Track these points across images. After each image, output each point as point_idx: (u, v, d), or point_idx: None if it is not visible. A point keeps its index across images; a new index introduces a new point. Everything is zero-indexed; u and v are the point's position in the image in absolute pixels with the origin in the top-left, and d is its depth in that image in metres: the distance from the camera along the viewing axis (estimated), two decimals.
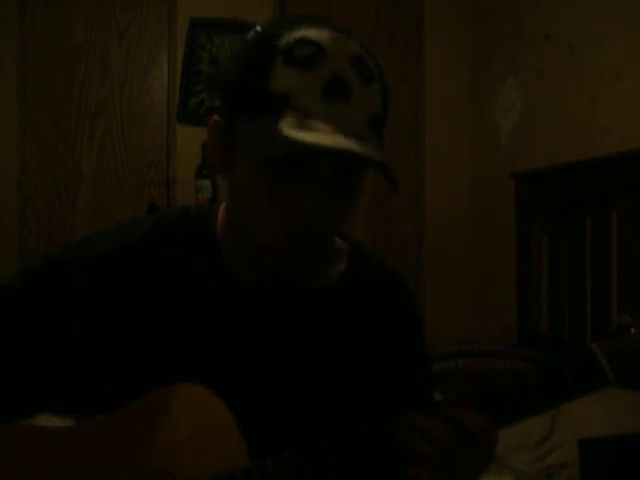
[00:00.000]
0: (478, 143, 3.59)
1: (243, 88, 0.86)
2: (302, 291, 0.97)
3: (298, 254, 0.90)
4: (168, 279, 0.95)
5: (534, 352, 2.80)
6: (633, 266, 2.43)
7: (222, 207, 0.99)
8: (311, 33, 0.85)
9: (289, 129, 0.81)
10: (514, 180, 3.10)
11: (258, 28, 0.90)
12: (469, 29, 3.65)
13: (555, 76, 2.95)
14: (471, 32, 3.65)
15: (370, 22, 3.56)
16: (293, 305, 0.97)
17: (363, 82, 0.85)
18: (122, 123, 3.30)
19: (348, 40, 0.87)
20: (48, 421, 0.94)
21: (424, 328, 1.09)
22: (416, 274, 3.53)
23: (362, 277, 1.02)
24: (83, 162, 3.26)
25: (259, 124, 0.84)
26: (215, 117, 0.92)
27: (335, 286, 1.00)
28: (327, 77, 0.83)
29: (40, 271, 0.96)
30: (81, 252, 0.96)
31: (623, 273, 2.48)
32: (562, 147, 2.87)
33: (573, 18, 2.83)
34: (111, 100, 3.29)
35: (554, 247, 2.92)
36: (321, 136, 0.81)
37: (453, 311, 3.52)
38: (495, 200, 3.38)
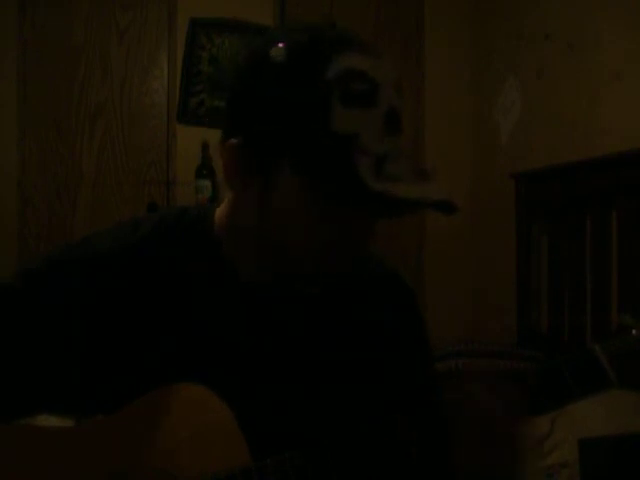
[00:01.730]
0: (478, 143, 3.59)
1: (297, 127, 0.83)
2: (302, 291, 0.97)
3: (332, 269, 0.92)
4: (168, 279, 0.95)
5: (534, 352, 2.80)
6: (633, 266, 2.43)
7: (221, 207, 0.99)
8: (356, 61, 0.83)
9: (374, 181, 0.80)
10: (514, 180, 3.10)
11: (289, 50, 0.85)
12: (469, 29, 3.65)
13: (555, 76, 2.95)
14: (471, 32, 3.64)
15: (370, 22, 3.56)
16: (293, 305, 0.97)
17: (402, 106, 0.86)
18: (122, 123, 3.30)
19: (384, 62, 0.86)
20: (48, 421, 0.94)
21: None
22: (416, 274, 3.53)
23: (362, 277, 1.02)
24: (83, 162, 3.26)
25: (331, 171, 0.82)
26: (233, 142, 0.88)
27: (336, 286, 0.99)
28: (384, 113, 0.83)
29: (40, 271, 0.95)
30: (81, 252, 0.96)
31: (623, 273, 2.48)
32: (562, 147, 2.87)
33: (573, 18, 2.83)
34: (111, 100, 3.29)
35: (554, 247, 2.92)
36: (408, 187, 0.81)
37: (453, 311, 3.52)
38: (495, 200, 3.38)
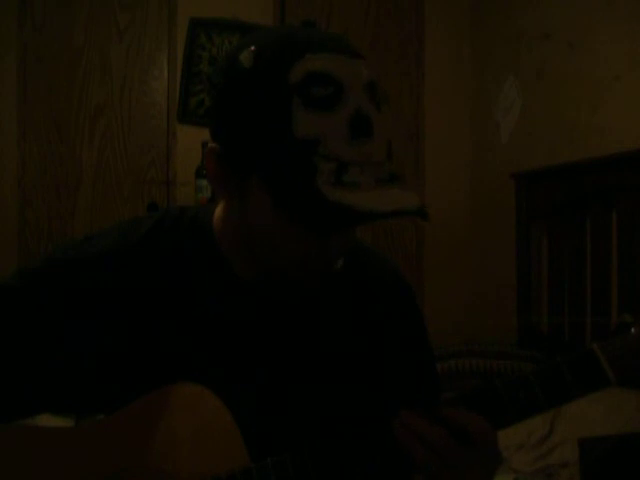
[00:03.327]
0: (478, 143, 3.59)
1: (261, 134, 0.81)
2: (297, 290, 0.97)
3: (315, 277, 0.91)
4: (168, 279, 0.95)
5: (534, 352, 2.80)
6: (633, 266, 2.43)
7: (219, 207, 0.99)
8: (321, 63, 0.81)
9: (330, 189, 0.77)
10: (514, 180, 3.10)
11: (256, 54, 0.83)
12: (469, 29, 3.65)
13: (555, 76, 2.95)
14: (471, 32, 3.65)
15: (370, 22, 3.56)
16: (291, 304, 0.97)
17: (378, 110, 0.83)
18: (122, 123, 3.30)
19: (357, 63, 0.84)
20: (48, 421, 0.94)
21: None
22: (416, 274, 3.53)
23: (362, 276, 1.02)
24: (83, 162, 3.26)
25: (290, 178, 0.79)
26: (213, 146, 0.88)
27: (335, 285, 0.99)
28: (350, 116, 0.80)
29: (40, 271, 0.95)
30: (81, 252, 0.96)
31: (623, 273, 2.48)
32: (562, 147, 2.87)
33: (573, 18, 2.83)
34: (111, 100, 3.29)
35: (554, 247, 2.92)
36: (366, 196, 0.78)
37: (453, 311, 3.52)
38: (495, 200, 3.38)
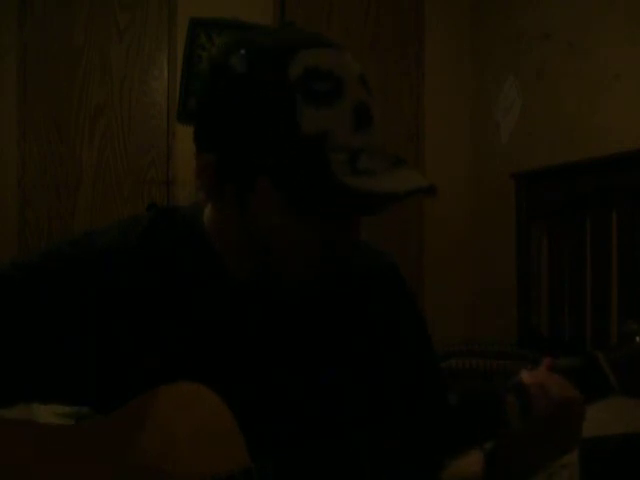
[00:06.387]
0: (478, 143, 3.59)
1: (266, 135, 0.83)
2: (293, 290, 0.96)
3: (322, 277, 0.91)
4: (166, 278, 0.95)
5: (534, 352, 2.80)
6: (633, 266, 2.43)
7: (209, 208, 0.98)
8: (316, 58, 0.83)
9: (349, 178, 0.79)
10: (514, 180, 3.10)
11: (249, 57, 0.84)
12: (469, 29, 3.66)
13: (555, 76, 2.96)
14: (471, 32, 3.65)
15: (370, 22, 3.57)
16: (288, 302, 0.97)
17: (372, 98, 0.86)
18: (122, 123, 3.30)
19: (347, 56, 0.86)
20: (48, 421, 0.94)
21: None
22: (416, 274, 3.53)
23: (359, 273, 1.02)
24: (83, 162, 3.27)
25: (306, 173, 0.81)
26: (207, 158, 0.87)
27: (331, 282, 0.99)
28: (353, 107, 0.82)
29: (40, 266, 0.95)
30: (81, 249, 0.96)
31: (623, 273, 2.48)
32: (562, 147, 2.87)
33: (573, 18, 2.84)
34: (111, 100, 3.29)
35: (554, 247, 2.93)
36: (383, 179, 0.81)
37: (453, 311, 3.52)
38: (495, 200, 3.38)
